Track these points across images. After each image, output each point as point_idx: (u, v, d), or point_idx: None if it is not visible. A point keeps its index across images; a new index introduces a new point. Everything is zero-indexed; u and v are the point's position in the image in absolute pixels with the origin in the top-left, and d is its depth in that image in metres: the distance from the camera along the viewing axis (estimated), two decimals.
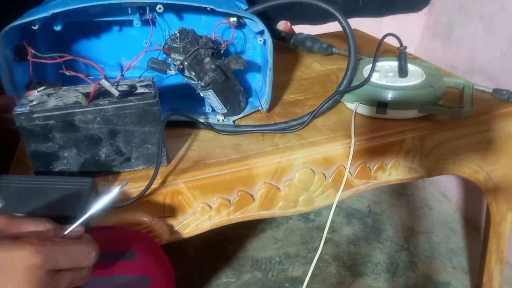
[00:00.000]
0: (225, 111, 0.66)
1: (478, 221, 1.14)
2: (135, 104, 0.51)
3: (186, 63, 0.58)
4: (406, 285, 1.01)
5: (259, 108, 0.70)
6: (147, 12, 0.63)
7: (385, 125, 0.65)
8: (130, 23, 0.64)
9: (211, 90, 0.62)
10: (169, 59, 0.61)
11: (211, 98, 0.64)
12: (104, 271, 0.44)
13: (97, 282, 0.43)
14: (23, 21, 0.53)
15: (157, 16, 0.66)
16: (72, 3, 0.55)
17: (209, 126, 0.64)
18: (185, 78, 0.62)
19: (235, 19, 0.62)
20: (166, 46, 0.60)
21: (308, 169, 0.61)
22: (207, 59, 0.60)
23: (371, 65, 0.72)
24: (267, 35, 0.63)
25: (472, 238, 1.13)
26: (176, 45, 0.58)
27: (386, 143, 0.64)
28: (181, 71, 0.60)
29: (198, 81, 0.60)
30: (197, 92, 0.65)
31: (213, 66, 0.60)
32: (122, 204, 0.52)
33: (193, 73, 0.59)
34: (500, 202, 0.79)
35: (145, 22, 0.64)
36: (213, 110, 0.68)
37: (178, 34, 0.58)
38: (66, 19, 0.61)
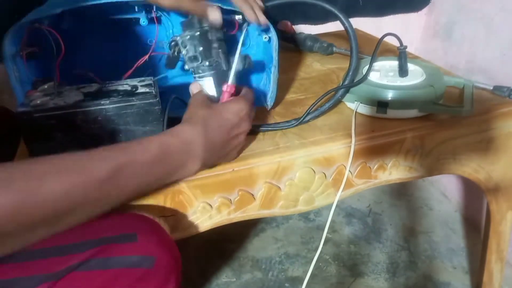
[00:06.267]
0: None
1: (478, 221, 1.14)
2: (136, 103, 0.51)
3: (197, 33, 0.56)
4: (406, 285, 1.01)
5: (264, 105, 0.70)
6: (153, 10, 0.63)
7: (385, 125, 0.66)
8: (136, 21, 0.65)
9: (211, 77, 0.59)
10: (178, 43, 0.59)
11: (209, 88, 0.60)
12: (105, 253, 0.43)
13: (98, 262, 0.43)
14: (31, 19, 0.53)
15: (162, 15, 0.66)
16: (80, 1, 0.55)
17: None
18: (185, 58, 0.60)
19: (240, 16, 0.62)
20: (173, 41, 0.60)
21: (308, 169, 0.61)
22: (216, 44, 0.58)
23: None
24: (272, 32, 0.63)
25: (472, 238, 1.13)
26: (185, 34, 0.58)
27: (386, 143, 0.64)
28: (186, 47, 0.58)
29: (202, 60, 0.58)
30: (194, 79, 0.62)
31: (220, 50, 0.59)
32: None
33: (201, 48, 0.57)
34: (501, 201, 0.79)
35: (151, 21, 0.65)
36: None
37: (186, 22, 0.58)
38: (73, 17, 0.61)
